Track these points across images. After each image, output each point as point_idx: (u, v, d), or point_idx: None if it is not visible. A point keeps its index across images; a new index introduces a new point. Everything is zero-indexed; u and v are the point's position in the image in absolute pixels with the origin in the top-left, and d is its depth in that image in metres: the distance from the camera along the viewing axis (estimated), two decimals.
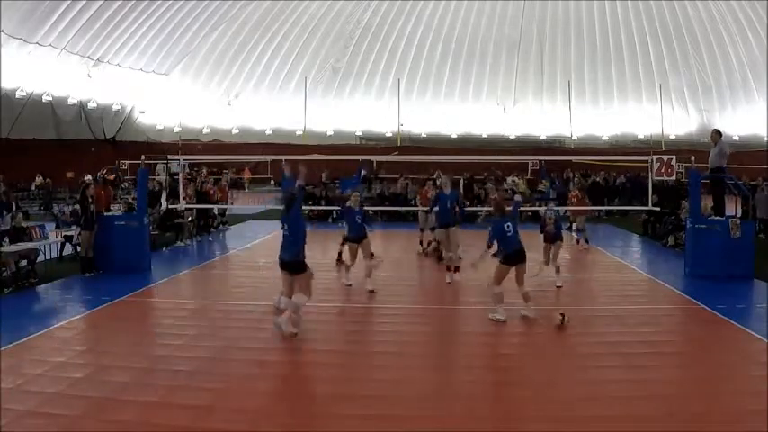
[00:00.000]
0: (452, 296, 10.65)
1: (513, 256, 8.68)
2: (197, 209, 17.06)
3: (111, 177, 17.49)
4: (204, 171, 21.16)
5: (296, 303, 7.85)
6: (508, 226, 8.73)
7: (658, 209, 15.49)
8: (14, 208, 17.98)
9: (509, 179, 24.25)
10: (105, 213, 13.04)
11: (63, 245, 13.67)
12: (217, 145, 37.49)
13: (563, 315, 8.41)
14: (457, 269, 11.28)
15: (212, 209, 18.11)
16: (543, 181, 24.50)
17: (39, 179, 27.20)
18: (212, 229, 18.09)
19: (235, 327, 8.64)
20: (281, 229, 8.11)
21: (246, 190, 33.64)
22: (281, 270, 8.04)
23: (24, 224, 12.22)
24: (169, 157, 16.72)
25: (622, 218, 20.41)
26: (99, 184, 13.05)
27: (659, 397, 6.02)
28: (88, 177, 13.04)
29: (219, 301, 10.12)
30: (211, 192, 18.47)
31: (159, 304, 10.34)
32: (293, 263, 7.89)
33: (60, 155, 29.08)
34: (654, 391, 6.16)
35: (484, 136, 38.00)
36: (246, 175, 34.75)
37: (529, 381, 6.59)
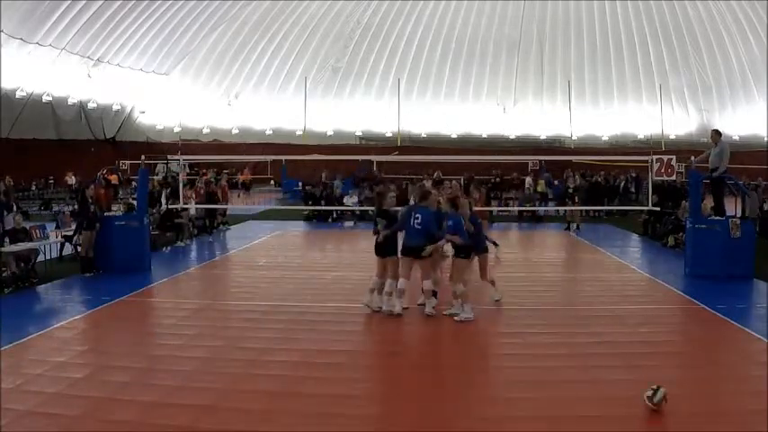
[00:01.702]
0: (445, 296, 10.54)
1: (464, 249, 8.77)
2: (205, 209, 17.18)
3: (113, 178, 17.52)
4: (205, 172, 21.15)
5: (430, 284, 8.84)
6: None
7: (658, 209, 15.47)
8: (15, 208, 17.98)
9: (527, 179, 24.58)
10: (105, 213, 13.04)
11: (63, 245, 13.65)
12: (217, 145, 37.49)
13: (659, 391, 5.63)
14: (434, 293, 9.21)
15: (216, 209, 18.13)
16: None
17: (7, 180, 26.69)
18: (213, 230, 18.08)
19: (235, 327, 8.64)
20: (411, 220, 8.74)
21: (248, 190, 33.48)
22: (404, 256, 8.81)
23: (24, 224, 12.21)
24: (169, 157, 16.74)
25: (622, 218, 20.40)
26: (99, 184, 13.03)
27: None
28: (73, 179, 13.05)
29: (219, 301, 10.12)
30: (217, 192, 18.50)
31: (159, 304, 10.34)
32: (419, 248, 8.68)
33: (60, 155, 29.11)
34: None
35: (484, 136, 38.00)
36: (245, 176, 34.40)
37: (528, 381, 6.58)
